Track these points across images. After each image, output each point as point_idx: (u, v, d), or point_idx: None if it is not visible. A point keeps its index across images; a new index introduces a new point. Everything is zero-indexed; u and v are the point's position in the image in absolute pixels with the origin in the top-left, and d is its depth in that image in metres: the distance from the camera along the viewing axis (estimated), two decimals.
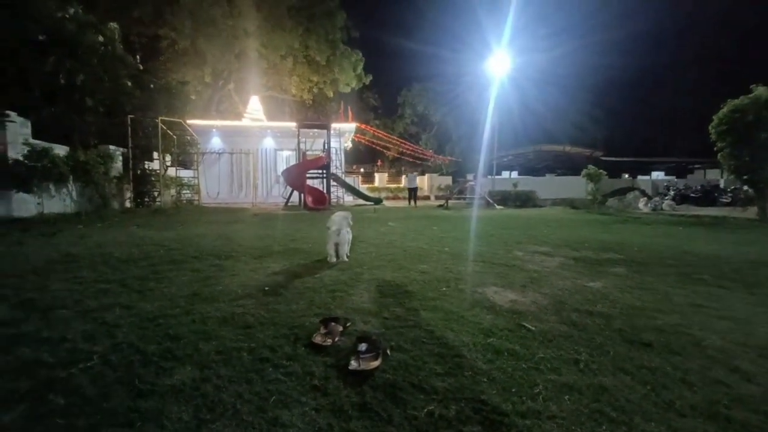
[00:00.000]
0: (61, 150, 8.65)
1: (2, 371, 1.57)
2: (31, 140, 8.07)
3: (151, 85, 13.82)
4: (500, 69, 17.40)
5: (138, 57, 17.51)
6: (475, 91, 26.23)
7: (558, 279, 3.25)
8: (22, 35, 5.97)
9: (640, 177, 22.94)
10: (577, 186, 16.02)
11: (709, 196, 15.76)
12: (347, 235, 3.92)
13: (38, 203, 7.93)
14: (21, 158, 7.50)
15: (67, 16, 7.06)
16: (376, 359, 1.67)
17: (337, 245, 3.83)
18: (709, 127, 9.47)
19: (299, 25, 20.72)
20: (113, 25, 9.41)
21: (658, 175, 24.52)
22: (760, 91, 8.78)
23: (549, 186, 18.67)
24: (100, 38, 7.60)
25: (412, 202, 15.87)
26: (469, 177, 23.10)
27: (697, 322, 2.25)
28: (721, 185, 17.43)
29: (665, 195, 16.11)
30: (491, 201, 14.80)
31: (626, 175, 23.99)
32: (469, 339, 1.97)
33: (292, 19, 20.31)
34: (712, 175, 21.98)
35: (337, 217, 3.93)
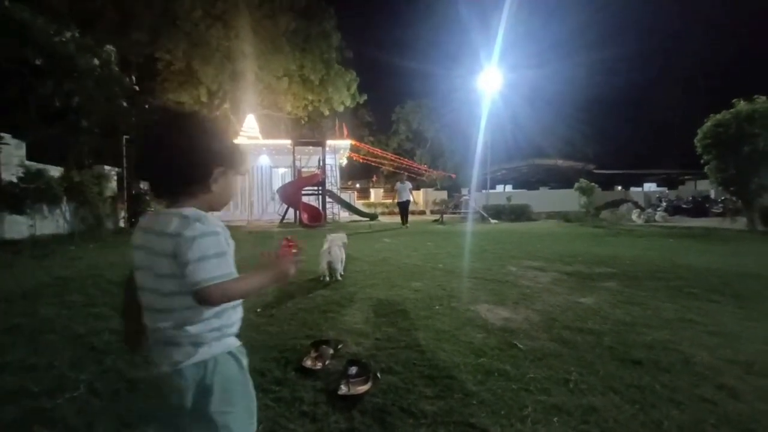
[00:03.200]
0: (55, 171, 8.65)
1: None
2: (26, 162, 8.08)
3: (147, 106, 13.98)
4: (492, 85, 17.81)
5: (134, 77, 17.72)
6: (467, 107, 26.72)
7: (550, 295, 3.27)
8: (21, 59, 6.06)
9: (632, 189, 23.24)
10: (570, 199, 16.18)
11: (700, 207, 15.97)
12: (340, 254, 3.92)
13: (31, 225, 7.87)
14: (15, 180, 7.48)
15: (65, 39, 7.18)
16: (366, 383, 1.66)
17: (330, 264, 3.82)
18: (695, 141, 9.69)
19: (295, 46, 21.18)
20: (110, 47, 9.58)
21: (650, 186, 24.87)
22: (740, 105, 9.05)
23: (543, 199, 18.86)
24: (97, 61, 7.72)
25: (405, 221, 11.45)
26: (464, 191, 23.29)
27: (687, 337, 2.27)
28: (712, 196, 17.69)
29: (658, 206, 16.30)
30: (486, 215, 14.90)
31: (619, 188, 24.31)
32: (460, 359, 1.98)
33: (288, 41, 20.77)
34: (703, 186, 22.33)
35: (330, 236, 3.95)
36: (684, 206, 16.42)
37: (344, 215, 16.69)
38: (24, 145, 8.24)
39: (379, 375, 1.77)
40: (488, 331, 2.41)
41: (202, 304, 0.79)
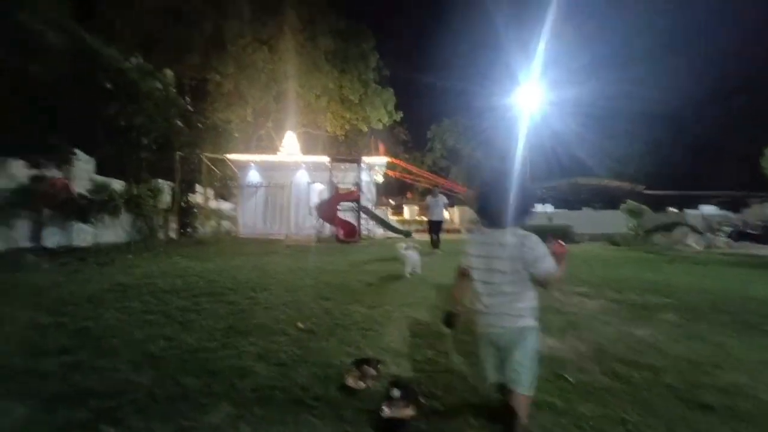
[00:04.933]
0: (117, 184, 9.49)
1: (63, 397, 1.69)
2: (93, 176, 8.94)
3: (199, 125, 15.08)
4: (530, 102, 17.50)
5: (188, 98, 19.26)
6: (504, 125, 26.36)
7: (599, 324, 3.08)
8: (93, 84, 6.81)
9: (687, 211, 21.55)
10: (616, 221, 15.25)
11: None
12: (415, 256, 5.25)
13: (95, 233, 8.63)
14: (84, 192, 8.27)
15: (130, 65, 7.97)
16: (409, 407, 1.64)
17: (404, 263, 5.10)
18: (761, 161, 8.89)
19: (334, 67, 22.10)
20: (168, 71, 10.51)
21: (709, 209, 22.94)
22: None
23: (586, 220, 17.92)
24: (158, 84, 8.50)
25: (434, 243, 9.17)
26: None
27: (766, 382, 2.03)
28: None
29: (719, 231, 14.98)
30: None
31: (672, 209, 22.64)
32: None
33: (328, 62, 21.73)
34: None
35: (404, 243, 5.35)
36: (751, 231, 14.94)
37: (379, 232, 16.79)
38: (92, 160, 9.14)
39: (422, 399, 1.74)
40: None
41: (545, 286, 1.44)
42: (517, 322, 1.45)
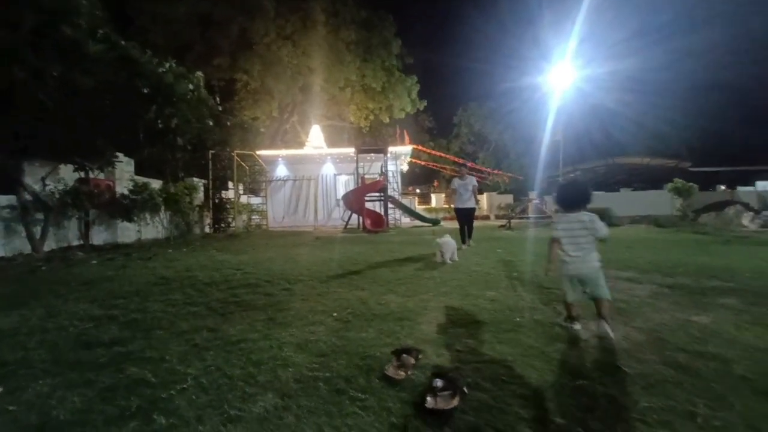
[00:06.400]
0: (156, 183, 9.94)
1: (117, 387, 1.76)
2: (134, 176, 9.41)
3: (228, 123, 15.48)
4: (563, 81, 16.62)
5: (217, 98, 19.81)
6: (534, 106, 25.25)
7: (652, 311, 2.87)
8: (132, 90, 7.11)
9: (740, 188, 19.91)
10: (659, 201, 14.37)
11: None
12: (452, 243, 5.37)
13: (138, 230, 9.11)
14: (126, 192, 8.73)
15: (165, 69, 8.23)
16: (454, 398, 1.58)
17: (443, 252, 5.27)
18: None
19: (357, 57, 21.94)
20: (199, 73, 10.80)
21: (765, 185, 21.07)
22: None
23: (625, 202, 16.98)
24: (190, 86, 8.76)
25: (466, 238, 7.23)
26: (532, 195, 21.95)
27: None
28: None
29: None
30: None
31: (722, 187, 20.98)
32: (555, 379, 1.80)
33: (350, 52, 21.60)
34: None
35: (442, 239, 5.38)
36: None
37: (406, 221, 16.72)
38: (132, 161, 9.61)
39: (466, 390, 1.67)
40: (582, 349, 2.18)
41: (603, 241, 2.47)
42: (595, 265, 2.43)
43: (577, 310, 2.51)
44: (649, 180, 21.65)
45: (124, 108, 7.11)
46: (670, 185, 12.53)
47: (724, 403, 1.56)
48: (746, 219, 11.81)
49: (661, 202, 13.93)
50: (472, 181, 7.32)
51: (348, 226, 13.73)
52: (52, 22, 5.61)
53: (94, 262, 5.93)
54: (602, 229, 2.43)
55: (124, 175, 9.23)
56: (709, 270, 4.42)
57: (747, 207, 13.67)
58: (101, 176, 8.51)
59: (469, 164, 23.29)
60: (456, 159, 25.03)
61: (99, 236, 8.34)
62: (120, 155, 8.79)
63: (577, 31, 15.76)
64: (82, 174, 7.75)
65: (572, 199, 2.53)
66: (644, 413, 1.50)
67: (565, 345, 2.23)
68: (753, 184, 19.96)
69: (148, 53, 7.74)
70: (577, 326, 2.45)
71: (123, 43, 7.06)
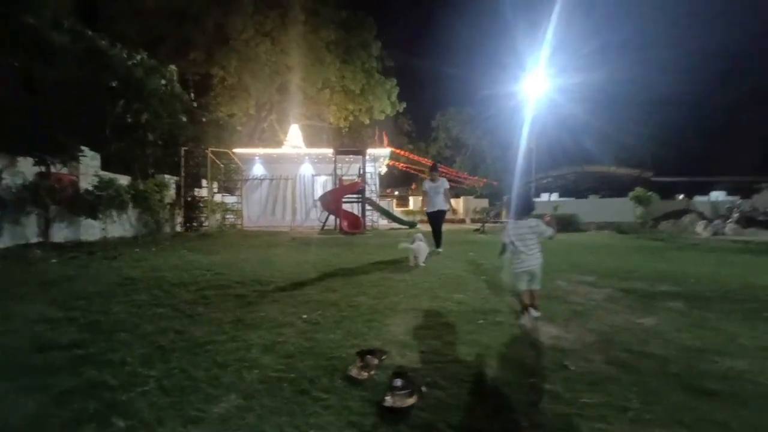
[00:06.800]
0: (123, 180, 9.57)
1: (74, 391, 1.73)
2: (100, 172, 9.02)
3: (203, 119, 15.09)
4: (537, 90, 17.23)
5: (192, 93, 19.26)
6: (509, 113, 26.02)
7: (605, 313, 3.07)
8: (99, 82, 6.84)
9: (696, 198, 21.23)
10: (624, 209, 15.11)
11: None
12: (424, 246, 5.39)
13: (103, 228, 8.74)
14: (91, 188, 8.37)
15: (135, 62, 7.97)
16: (411, 396, 1.66)
17: (416, 255, 5.26)
18: None
19: (336, 57, 21.89)
20: (172, 67, 10.51)
21: (718, 195, 22.57)
22: None
23: (592, 209, 17.75)
24: (163, 81, 8.51)
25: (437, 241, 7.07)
26: (506, 199, 22.56)
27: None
28: None
29: (728, 218, 14.75)
30: None
31: (681, 196, 22.31)
32: (509, 378, 1.92)
33: (330, 52, 21.52)
34: None
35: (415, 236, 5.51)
36: (761, 218, 14.70)
37: (383, 223, 16.81)
38: (98, 156, 9.22)
39: (424, 389, 1.76)
40: (537, 349, 2.32)
41: (551, 238, 2.92)
42: (539, 262, 2.87)
43: (529, 298, 2.87)
44: (615, 188, 22.72)
45: (90, 102, 6.83)
46: (631, 194, 13.25)
47: (655, 398, 1.72)
48: (700, 227, 12.64)
49: (626, 209, 14.67)
50: (444, 183, 7.05)
51: (325, 228, 13.67)
52: (12, 10, 5.33)
53: (54, 260, 5.67)
54: (547, 230, 2.87)
55: (89, 170, 8.83)
56: (661, 275, 4.74)
57: (701, 216, 14.61)
58: (64, 171, 8.12)
59: (440, 167, 23.63)
60: (428, 161, 25.37)
61: (60, 234, 7.95)
62: (85, 149, 8.42)
63: (549, 42, 16.38)
64: (43, 168, 7.37)
65: (521, 209, 2.99)
66: (583, 408, 1.63)
67: (522, 346, 2.37)
68: (707, 194, 21.34)
69: (118, 46, 7.47)
70: (536, 313, 2.84)
71: (90, 34, 6.79)
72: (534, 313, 2.82)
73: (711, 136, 27.44)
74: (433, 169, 7.21)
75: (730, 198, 21.40)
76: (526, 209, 2.99)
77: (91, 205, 8.21)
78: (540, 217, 2.92)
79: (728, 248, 8.16)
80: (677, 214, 14.61)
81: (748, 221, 14.45)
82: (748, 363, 2.10)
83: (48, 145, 6.78)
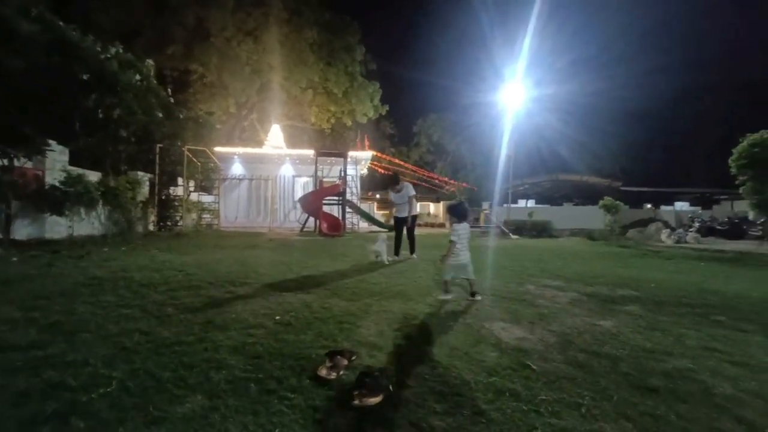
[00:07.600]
0: (93, 176, 9.22)
1: (31, 392, 1.69)
2: (68, 167, 8.66)
3: (180, 116, 14.69)
4: (515, 100, 17.73)
5: (169, 89, 18.74)
6: (489, 121, 26.65)
7: (568, 316, 3.22)
8: (70, 75, 6.59)
9: (663, 207, 22.35)
10: (595, 216, 15.74)
11: (737, 228, 15.16)
12: (383, 245, 6.19)
13: (69, 226, 8.38)
14: (57, 183, 8.02)
15: (109, 55, 7.72)
16: (377, 396, 1.71)
17: (378, 253, 6.13)
18: (729, 161, 9.32)
19: (320, 59, 21.84)
20: (149, 62, 10.23)
21: (682, 205, 23.84)
22: None
23: (566, 216, 18.42)
24: (138, 76, 8.27)
25: (399, 249, 6.80)
26: (485, 205, 23.05)
27: (709, 367, 2.20)
28: (750, 217, 16.77)
29: (689, 227, 15.61)
30: (506, 230, 14.69)
31: (649, 206, 23.43)
32: (472, 377, 1.99)
33: (313, 54, 21.46)
34: (741, 206, 21.22)
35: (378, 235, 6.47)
36: (719, 227, 15.64)
37: (363, 225, 16.84)
38: (67, 151, 8.85)
39: (390, 388, 1.81)
40: (501, 350, 2.41)
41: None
42: (469, 257, 3.74)
43: (451, 286, 3.81)
44: (589, 196, 23.61)
45: (59, 94, 6.56)
46: (601, 202, 13.84)
47: (605, 396, 1.84)
48: (664, 235, 13.32)
49: (597, 217, 15.29)
50: (408, 191, 6.72)
51: (304, 229, 13.58)
52: None
53: (15, 259, 5.41)
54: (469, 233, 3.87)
55: (56, 165, 8.46)
56: (623, 280, 4.99)
57: (666, 224, 15.41)
58: (29, 165, 7.75)
59: (427, 175, 23.94)
60: (415, 169, 25.63)
61: (23, 231, 7.57)
62: (53, 143, 8.07)
63: (525, 55, 16.96)
64: (5, 161, 7.02)
65: (462, 214, 3.87)
66: (539, 405, 1.72)
67: (487, 347, 2.46)
68: (672, 204, 22.49)
69: (90, 37, 7.22)
70: (449, 296, 3.70)
71: (61, 24, 6.54)
72: (476, 297, 3.67)
73: (675, 148, 29.00)
74: (395, 182, 6.84)
75: (692, 208, 22.69)
76: (466, 215, 3.97)
77: (58, 201, 7.87)
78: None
79: (687, 256, 8.65)
80: (643, 223, 15.36)
81: (707, 230, 15.36)
82: (691, 362, 2.26)
83: (11, 137, 6.47)
